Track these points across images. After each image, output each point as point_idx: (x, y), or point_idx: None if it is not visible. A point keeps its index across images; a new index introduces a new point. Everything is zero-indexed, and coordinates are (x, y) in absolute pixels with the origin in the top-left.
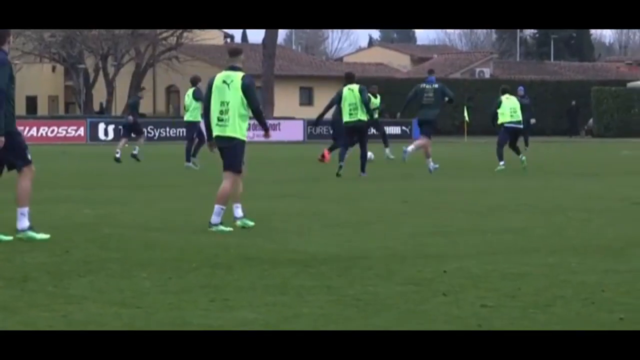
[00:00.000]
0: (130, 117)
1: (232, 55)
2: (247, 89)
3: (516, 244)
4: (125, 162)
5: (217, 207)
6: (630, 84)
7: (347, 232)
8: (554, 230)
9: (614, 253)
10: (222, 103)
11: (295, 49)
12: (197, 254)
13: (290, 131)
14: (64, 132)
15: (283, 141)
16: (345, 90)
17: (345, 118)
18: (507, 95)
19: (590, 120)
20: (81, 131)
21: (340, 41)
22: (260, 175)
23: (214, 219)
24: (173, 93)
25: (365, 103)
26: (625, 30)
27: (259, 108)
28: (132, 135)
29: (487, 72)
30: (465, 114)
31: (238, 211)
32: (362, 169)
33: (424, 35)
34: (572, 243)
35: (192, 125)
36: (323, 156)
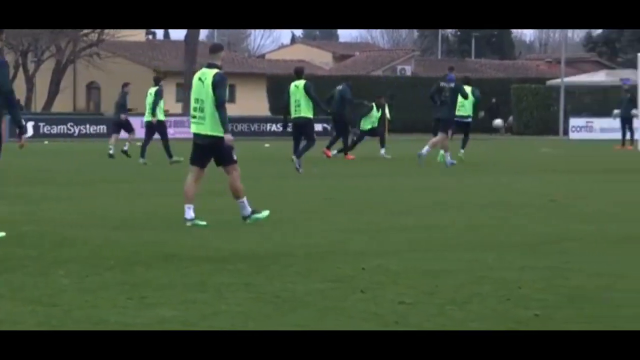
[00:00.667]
0: (123, 115)
1: (211, 52)
2: (215, 85)
3: (435, 241)
4: (44, 159)
5: (237, 202)
6: (549, 82)
7: (267, 229)
8: (473, 227)
9: (531, 249)
10: (197, 100)
11: None
12: (115, 251)
13: None
14: None
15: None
16: (292, 86)
17: (292, 114)
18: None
19: (510, 118)
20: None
21: (263, 38)
22: (182, 171)
23: (242, 212)
24: (94, 90)
25: (312, 99)
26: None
27: (222, 105)
28: (121, 131)
29: (409, 70)
30: (387, 111)
31: (189, 212)
32: (299, 155)
33: (346, 33)
34: (491, 240)
35: (152, 124)
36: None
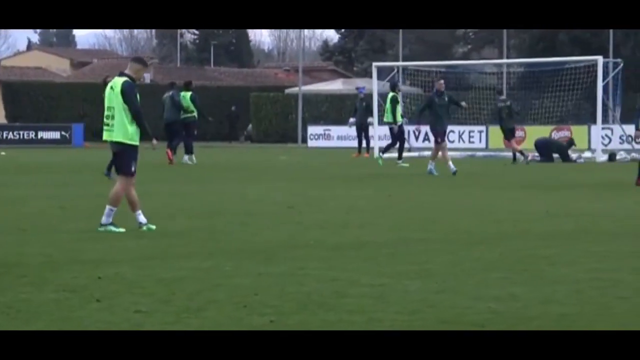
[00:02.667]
0: None
1: (130, 62)
2: (123, 93)
3: (173, 249)
4: None
5: (107, 208)
6: (287, 90)
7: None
8: (212, 234)
9: (267, 256)
10: (109, 108)
11: None
12: None
13: None
14: None
15: None
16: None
17: None
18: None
19: (250, 126)
20: None
21: None
22: None
23: (104, 219)
24: None
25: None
26: (283, 37)
27: (137, 112)
28: None
29: (148, 77)
30: None
31: (140, 217)
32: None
33: (83, 39)
34: (229, 247)
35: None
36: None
